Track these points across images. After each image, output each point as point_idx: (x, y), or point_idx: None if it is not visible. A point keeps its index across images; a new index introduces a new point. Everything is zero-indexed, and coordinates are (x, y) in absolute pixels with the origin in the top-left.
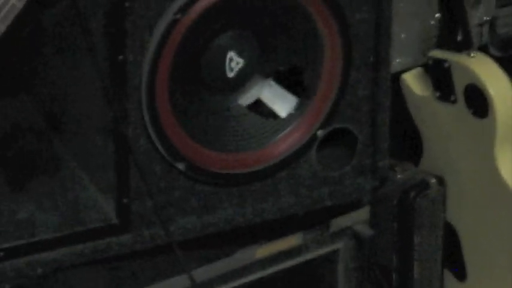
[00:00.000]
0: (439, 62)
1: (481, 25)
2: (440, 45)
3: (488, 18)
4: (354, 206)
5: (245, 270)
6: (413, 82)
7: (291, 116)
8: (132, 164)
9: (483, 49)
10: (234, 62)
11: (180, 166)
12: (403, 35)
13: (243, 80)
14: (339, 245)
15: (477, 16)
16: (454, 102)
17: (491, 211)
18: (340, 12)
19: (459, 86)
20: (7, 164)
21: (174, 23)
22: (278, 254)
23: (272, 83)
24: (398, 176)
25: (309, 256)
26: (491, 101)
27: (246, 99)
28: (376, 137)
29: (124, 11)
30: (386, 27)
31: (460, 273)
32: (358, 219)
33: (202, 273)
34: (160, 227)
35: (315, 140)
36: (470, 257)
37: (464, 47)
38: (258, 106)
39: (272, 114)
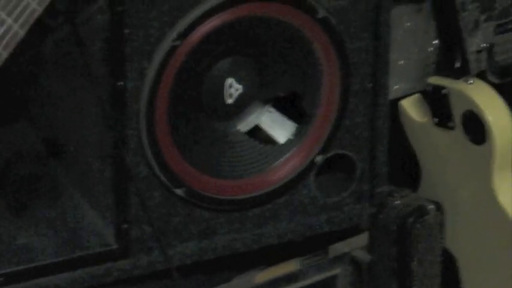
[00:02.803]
0: (437, 89)
1: (479, 52)
2: (438, 72)
3: (486, 45)
4: (353, 231)
5: None
6: (412, 108)
7: (289, 142)
8: (132, 189)
9: (481, 76)
10: (233, 89)
11: (179, 192)
12: (401, 62)
13: (242, 106)
14: (337, 270)
15: (475, 43)
16: (452, 128)
17: (490, 237)
18: (339, 39)
19: (457, 112)
20: (7, 189)
21: (173, 49)
22: (276, 279)
23: (271, 109)
24: (397, 202)
25: (307, 282)
26: (488, 128)
27: (245, 125)
28: (375, 163)
29: (123, 38)
30: (385, 54)
31: None
32: (356, 245)
33: None
34: (160, 252)
35: (314, 166)
36: (469, 284)
37: (462, 73)
38: (257, 132)
39: (271, 141)
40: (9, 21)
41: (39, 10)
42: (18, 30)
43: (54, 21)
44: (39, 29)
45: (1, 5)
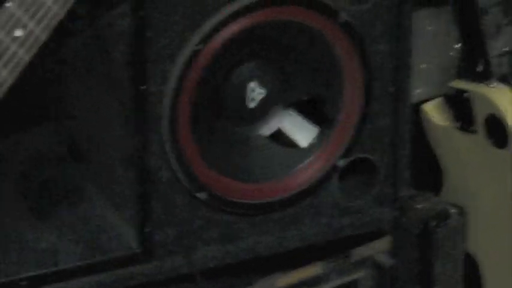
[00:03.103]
0: (459, 93)
1: (501, 56)
2: (460, 76)
3: (508, 49)
4: (375, 235)
5: None
6: (434, 112)
7: (312, 146)
8: (154, 193)
9: (503, 80)
10: (255, 93)
11: (202, 196)
12: (423, 66)
13: (264, 110)
14: (359, 274)
15: (497, 47)
16: (475, 132)
17: (511, 242)
18: (360, 43)
19: (479, 116)
20: (30, 193)
21: (195, 53)
22: (299, 283)
23: (293, 113)
24: (419, 206)
25: (329, 285)
26: (510, 132)
27: (267, 129)
28: (397, 166)
29: (146, 41)
30: (407, 57)
31: None
32: (379, 248)
33: None
34: (182, 256)
35: (336, 170)
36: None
37: (484, 77)
38: (279, 136)
39: (293, 144)
40: (31, 25)
41: (61, 14)
42: (40, 34)
43: (76, 25)
44: (61, 32)
45: (23, 8)
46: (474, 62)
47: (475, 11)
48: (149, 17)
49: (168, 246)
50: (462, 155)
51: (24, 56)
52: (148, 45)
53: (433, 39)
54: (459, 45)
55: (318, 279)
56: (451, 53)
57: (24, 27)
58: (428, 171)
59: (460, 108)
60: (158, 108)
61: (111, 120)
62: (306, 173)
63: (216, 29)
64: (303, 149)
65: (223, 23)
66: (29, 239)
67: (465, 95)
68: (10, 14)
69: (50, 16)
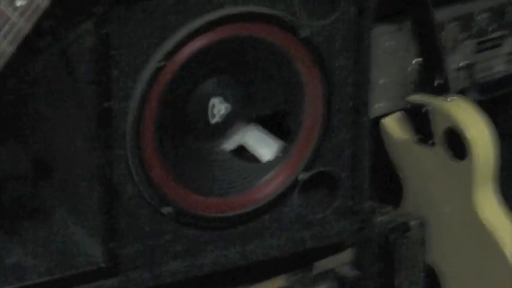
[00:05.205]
0: (418, 106)
1: (459, 70)
2: (419, 90)
3: (466, 63)
4: (337, 248)
5: None
6: (393, 126)
7: (274, 160)
8: (119, 209)
9: (461, 93)
10: (217, 108)
11: (167, 210)
12: (382, 81)
13: (226, 125)
14: (322, 286)
15: (455, 61)
16: (433, 145)
17: (471, 253)
18: (320, 58)
19: (438, 129)
20: None
21: (158, 70)
22: None
23: (255, 128)
24: (380, 219)
25: None
26: (469, 144)
27: (230, 144)
28: (358, 180)
29: (110, 58)
30: (366, 72)
31: None
32: (341, 261)
33: None
34: (148, 270)
35: (298, 184)
36: None
37: (442, 91)
38: (242, 151)
39: (256, 159)
40: None
41: (27, 28)
42: (6, 48)
43: (42, 41)
44: (27, 48)
45: None
46: (432, 76)
47: (432, 27)
48: (113, 35)
49: (134, 260)
50: (422, 167)
51: None
52: (112, 62)
53: (392, 55)
54: (418, 59)
55: None
56: (410, 68)
57: None
58: (388, 184)
59: (419, 121)
60: (122, 125)
61: (76, 137)
62: (269, 186)
63: (179, 46)
64: (266, 163)
65: (186, 40)
66: None
67: (424, 108)
68: None
69: (16, 29)
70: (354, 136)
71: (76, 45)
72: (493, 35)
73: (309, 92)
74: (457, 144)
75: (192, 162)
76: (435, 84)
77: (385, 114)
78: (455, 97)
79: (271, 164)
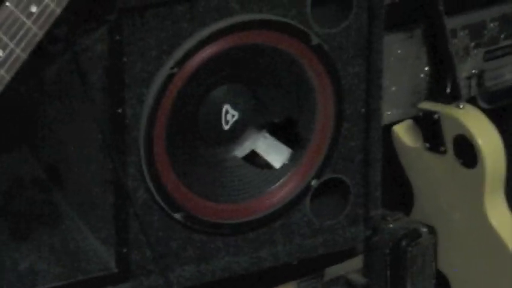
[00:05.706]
0: (428, 114)
1: (469, 78)
2: (429, 98)
3: (476, 71)
4: (348, 254)
5: None
6: (404, 133)
7: (285, 167)
8: (131, 214)
9: (471, 101)
10: (230, 115)
11: (178, 216)
12: (393, 88)
13: (238, 132)
14: None
15: (466, 69)
16: (444, 152)
17: (482, 259)
18: (332, 66)
19: (448, 137)
20: (9, 215)
21: (170, 77)
22: None
23: (266, 134)
24: (390, 226)
25: None
26: (479, 151)
27: (241, 150)
28: (369, 187)
29: (122, 66)
30: (377, 80)
31: None
32: (351, 267)
33: None
34: (159, 275)
35: (309, 190)
36: None
37: (453, 99)
38: (253, 157)
39: (267, 165)
40: (11, 45)
41: (40, 34)
42: (20, 54)
43: (55, 47)
44: (40, 54)
45: (3, 29)
46: (443, 84)
47: (443, 35)
48: (125, 42)
49: (145, 266)
50: (432, 175)
51: (5, 75)
52: (124, 69)
53: (403, 62)
54: (429, 67)
55: None
56: (421, 75)
57: (4, 47)
58: (399, 191)
59: (430, 129)
60: (134, 131)
61: (88, 143)
62: (280, 193)
63: (190, 53)
64: (277, 170)
65: (198, 47)
66: (8, 260)
67: (434, 116)
68: None
69: (30, 36)
70: (365, 143)
71: (89, 52)
72: (504, 43)
73: (320, 99)
74: (467, 152)
75: (203, 168)
76: (446, 91)
77: (396, 122)
78: (466, 105)
79: (282, 171)
